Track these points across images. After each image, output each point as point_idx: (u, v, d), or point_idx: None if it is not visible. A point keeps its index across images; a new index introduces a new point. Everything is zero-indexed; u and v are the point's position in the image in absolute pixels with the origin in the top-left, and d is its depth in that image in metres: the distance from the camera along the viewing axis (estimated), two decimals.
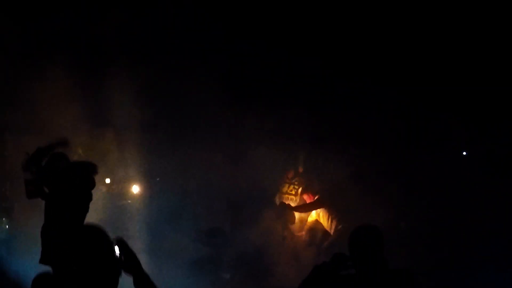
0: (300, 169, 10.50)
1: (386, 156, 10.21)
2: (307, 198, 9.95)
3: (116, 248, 2.84)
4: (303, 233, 9.91)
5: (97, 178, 11.77)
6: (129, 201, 11.76)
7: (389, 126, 10.48)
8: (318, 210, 9.62)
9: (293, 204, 10.05)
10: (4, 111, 9.60)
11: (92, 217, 10.54)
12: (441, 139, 11.10)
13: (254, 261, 9.16)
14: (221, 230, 9.64)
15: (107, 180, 12.22)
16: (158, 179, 11.86)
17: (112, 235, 2.84)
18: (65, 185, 6.54)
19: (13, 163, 8.91)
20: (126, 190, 12.08)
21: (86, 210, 6.71)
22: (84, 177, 6.72)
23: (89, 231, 2.74)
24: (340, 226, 9.30)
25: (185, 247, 9.37)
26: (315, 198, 9.74)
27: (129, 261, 2.90)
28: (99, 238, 2.72)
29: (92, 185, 6.84)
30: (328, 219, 9.47)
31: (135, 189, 11.84)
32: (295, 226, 9.96)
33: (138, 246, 9.61)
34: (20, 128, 9.88)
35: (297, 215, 9.91)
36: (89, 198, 6.77)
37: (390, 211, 9.47)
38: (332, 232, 9.43)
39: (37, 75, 9.55)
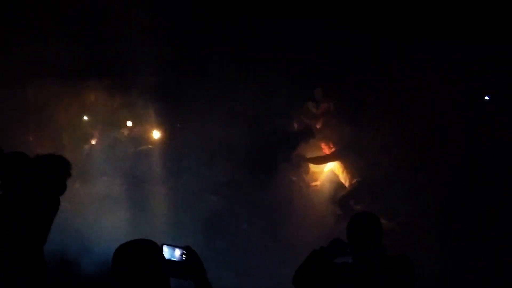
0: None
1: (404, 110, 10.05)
2: (324, 147, 9.97)
3: (178, 253, 3.02)
4: (318, 183, 10.00)
5: (120, 121, 12.18)
6: (150, 146, 11.86)
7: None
8: (335, 162, 9.67)
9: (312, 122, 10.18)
10: None
11: (113, 160, 10.92)
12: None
13: (270, 212, 9.28)
14: (238, 182, 9.75)
15: (129, 123, 12.39)
16: (178, 125, 11.89)
17: (180, 243, 3.05)
18: (25, 188, 4.64)
19: None
20: (147, 134, 12.19)
21: (47, 227, 4.74)
22: (52, 177, 4.71)
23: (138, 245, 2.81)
24: (355, 180, 9.39)
25: (203, 198, 9.51)
26: (332, 150, 9.77)
27: (196, 268, 3.05)
28: (147, 253, 2.79)
29: (62, 189, 4.78)
30: (343, 171, 9.56)
31: (156, 134, 11.92)
32: (310, 177, 10.04)
33: (156, 194, 9.91)
34: None
35: (312, 166, 9.98)
36: (56, 208, 4.77)
37: (407, 164, 9.56)
38: (347, 184, 9.53)
39: None
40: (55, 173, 4.74)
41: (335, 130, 10.13)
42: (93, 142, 11.97)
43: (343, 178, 9.63)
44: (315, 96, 11.20)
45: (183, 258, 3.03)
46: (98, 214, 9.33)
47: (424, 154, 9.89)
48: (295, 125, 11.22)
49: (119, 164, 10.90)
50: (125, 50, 10.72)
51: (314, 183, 10.04)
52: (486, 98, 12.09)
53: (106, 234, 8.52)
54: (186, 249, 3.06)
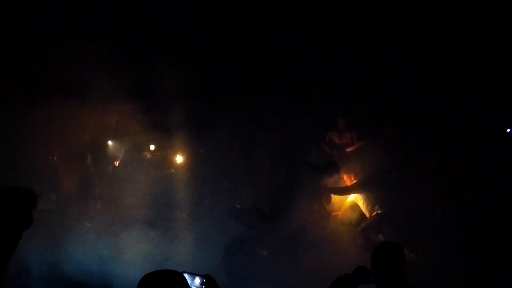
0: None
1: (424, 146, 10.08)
2: (347, 179, 10.05)
3: (198, 281, 3.09)
4: (340, 212, 10.02)
5: (142, 143, 12.31)
6: (172, 170, 11.94)
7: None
8: (357, 193, 9.71)
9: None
10: None
11: (135, 183, 11.02)
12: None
13: (291, 240, 9.29)
14: (261, 209, 9.79)
15: (152, 147, 12.51)
16: (202, 150, 11.99)
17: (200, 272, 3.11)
18: None
19: None
20: (170, 159, 12.28)
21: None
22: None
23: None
24: (376, 212, 9.42)
25: (224, 225, 9.55)
26: (354, 181, 9.82)
27: None
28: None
29: (27, 223, 4.26)
30: (364, 202, 9.59)
31: (179, 159, 12.02)
32: (332, 206, 10.06)
33: (178, 219, 9.96)
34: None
35: (334, 196, 10.01)
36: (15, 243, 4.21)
37: (427, 198, 9.55)
38: (368, 215, 9.56)
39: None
40: (17, 206, 4.27)
41: (357, 161, 10.15)
42: (117, 164, 12.10)
43: (364, 208, 9.65)
44: (338, 126, 11.25)
45: (203, 287, 3.09)
46: (118, 235, 9.41)
47: (444, 187, 9.85)
48: (318, 154, 11.27)
49: (141, 187, 11.01)
50: (151, 74, 10.94)
51: (335, 213, 10.04)
52: (508, 130, 12.07)
53: (126, 257, 8.62)
54: (206, 277, 3.13)
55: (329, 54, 11.44)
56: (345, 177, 10.12)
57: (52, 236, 8.96)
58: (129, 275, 7.53)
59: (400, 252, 4.17)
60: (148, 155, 12.49)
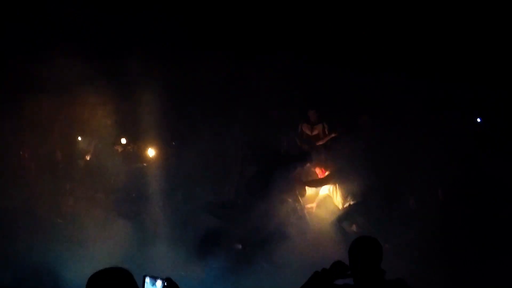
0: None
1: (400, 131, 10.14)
2: (319, 172, 10.07)
3: (159, 284, 3.11)
4: (313, 205, 10.04)
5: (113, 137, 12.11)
6: (144, 164, 11.85)
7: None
8: (330, 185, 9.74)
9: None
10: None
11: (107, 177, 10.90)
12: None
13: (265, 233, 9.29)
14: (233, 202, 9.77)
15: (123, 140, 12.37)
16: (174, 143, 11.91)
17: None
18: None
19: None
20: (142, 152, 12.17)
21: None
22: None
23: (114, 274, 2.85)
24: (348, 203, 9.48)
25: (198, 218, 9.52)
26: (326, 173, 9.85)
27: None
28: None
29: None
30: (337, 195, 9.63)
31: (151, 152, 11.91)
32: (306, 199, 10.08)
33: (150, 213, 9.90)
34: None
35: (308, 188, 10.04)
36: None
37: (399, 189, 9.65)
38: (340, 207, 9.60)
39: None
40: None
41: (329, 153, 10.18)
42: (88, 158, 11.95)
43: (337, 201, 9.68)
44: (309, 117, 11.27)
45: None
46: (91, 230, 9.32)
47: (417, 177, 9.92)
48: (289, 146, 11.29)
49: (113, 181, 10.91)
50: (121, 67, 10.81)
51: (309, 205, 10.06)
52: (478, 120, 12.19)
53: (98, 250, 8.51)
54: (167, 280, 3.13)
55: (300, 43, 11.41)
56: (317, 169, 10.13)
57: (23, 234, 8.85)
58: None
59: (377, 247, 4.17)
60: (120, 149, 12.35)
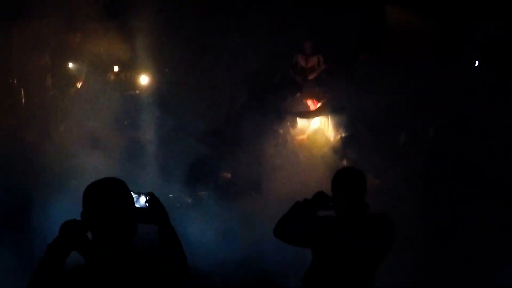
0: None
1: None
2: (311, 104, 9.99)
3: (143, 200, 3.13)
4: (305, 137, 10.01)
5: (105, 65, 11.95)
6: (137, 92, 11.73)
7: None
8: (321, 117, 9.68)
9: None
10: None
11: (98, 105, 10.81)
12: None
13: (254, 163, 9.28)
14: (223, 130, 9.74)
15: (115, 68, 12.19)
16: (166, 70, 11.76)
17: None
18: None
19: None
20: (134, 80, 12.03)
21: None
22: None
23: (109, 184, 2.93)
24: (340, 136, 9.45)
25: (188, 145, 9.50)
26: (318, 105, 9.78)
27: (158, 213, 3.14)
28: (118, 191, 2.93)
29: None
30: (329, 127, 9.59)
31: (144, 79, 11.77)
32: (297, 130, 10.04)
33: (141, 140, 9.87)
34: None
35: (299, 120, 9.99)
36: None
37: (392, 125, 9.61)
38: (332, 140, 9.58)
39: None
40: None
41: (323, 85, 10.09)
42: (79, 85, 11.79)
43: (329, 133, 9.65)
44: (305, 49, 11.10)
45: (147, 205, 3.13)
46: (81, 158, 9.29)
47: (410, 113, 9.87)
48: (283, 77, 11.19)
49: (104, 109, 10.80)
50: None
51: (300, 137, 10.03)
52: (477, 63, 12.04)
53: (88, 178, 8.48)
54: (149, 194, 3.15)
55: None
56: (309, 101, 10.05)
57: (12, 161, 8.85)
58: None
59: (361, 178, 4.08)
60: (112, 77, 12.17)
